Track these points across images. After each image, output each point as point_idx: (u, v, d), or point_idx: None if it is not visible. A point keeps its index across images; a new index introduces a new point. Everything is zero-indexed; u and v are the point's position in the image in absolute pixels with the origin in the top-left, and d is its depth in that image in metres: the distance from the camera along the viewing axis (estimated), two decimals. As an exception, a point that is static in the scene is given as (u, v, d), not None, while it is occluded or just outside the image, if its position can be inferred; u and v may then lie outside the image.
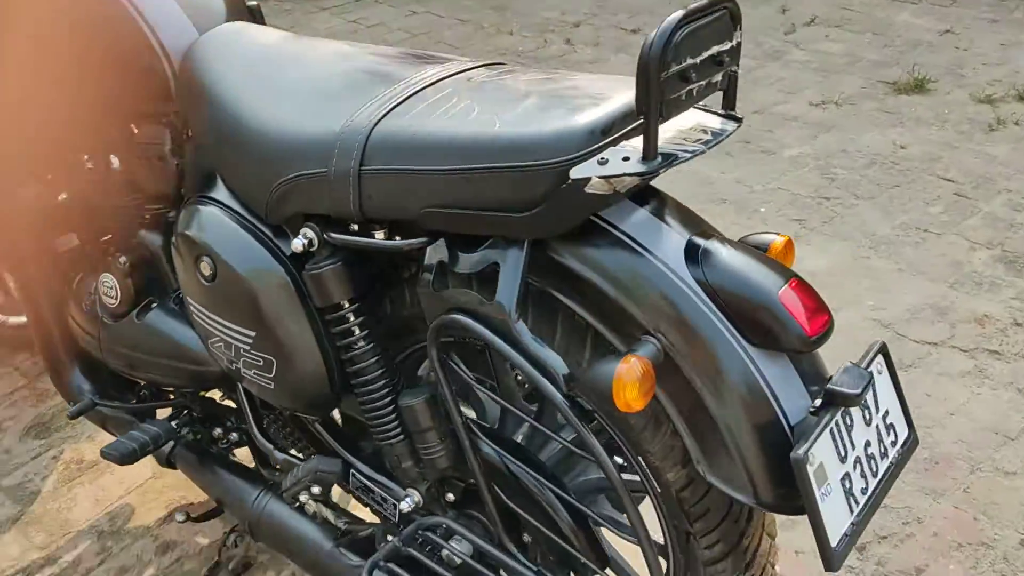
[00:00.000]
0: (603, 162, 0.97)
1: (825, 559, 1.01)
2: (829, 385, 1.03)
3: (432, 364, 1.16)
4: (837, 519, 1.02)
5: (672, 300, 1.03)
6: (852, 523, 1.04)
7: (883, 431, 1.11)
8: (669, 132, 1.02)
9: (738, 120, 1.07)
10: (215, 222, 1.28)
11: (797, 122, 3.45)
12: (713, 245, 1.06)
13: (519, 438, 1.35)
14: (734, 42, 1.02)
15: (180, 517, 1.62)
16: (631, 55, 4.13)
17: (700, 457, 1.06)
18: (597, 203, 1.02)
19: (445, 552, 1.28)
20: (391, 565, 1.23)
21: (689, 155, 0.98)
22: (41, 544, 1.88)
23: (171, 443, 1.62)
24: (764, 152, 3.26)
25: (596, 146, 0.99)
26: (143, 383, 1.69)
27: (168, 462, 1.64)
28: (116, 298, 1.57)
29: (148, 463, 1.81)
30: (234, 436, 1.63)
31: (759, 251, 1.09)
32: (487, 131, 1.05)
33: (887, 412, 1.12)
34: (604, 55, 4.14)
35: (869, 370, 1.07)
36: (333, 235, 1.17)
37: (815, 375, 1.06)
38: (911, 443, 1.15)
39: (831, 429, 1.02)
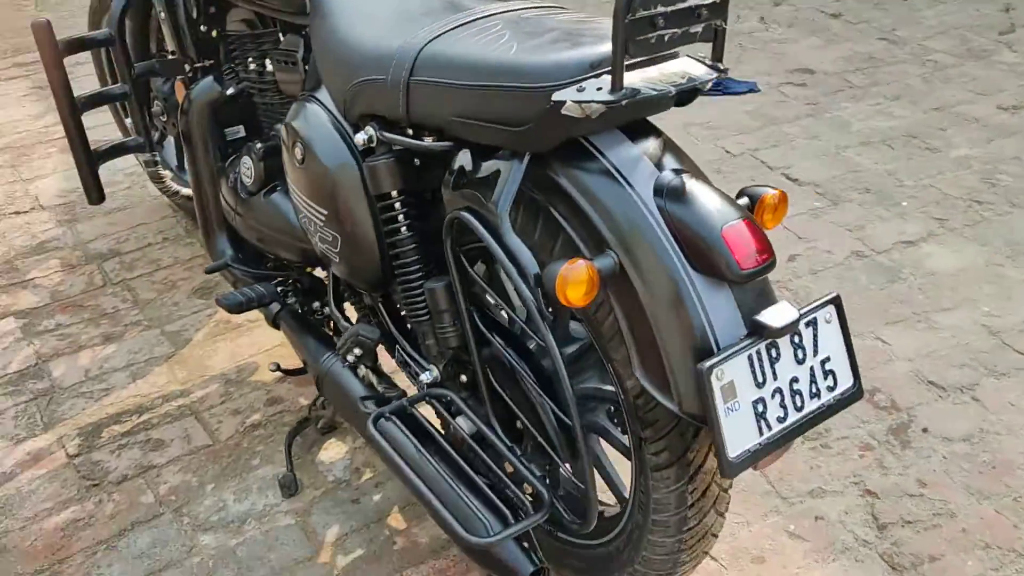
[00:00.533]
0: (580, 90, 1.14)
1: (720, 466, 1.14)
2: (755, 316, 1.14)
3: (446, 254, 1.37)
4: (741, 435, 1.14)
5: (633, 223, 1.18)
6: (759, 443, 1.16)
7: (819, 374, 1.21)
8: (651, 72, 1.17)
9: (721, 71, 1.19)
10: (310, 115, 1.55)
11: (976, 124, 3.32)
12: (682, 181, 1.20)
13: (531, 342, 1.53)
14: None
15: (272, 367, 1.93)
16: (824, 39, 4.08)
17: (638, 364, 1.21)
18: (573, 126, 1.19)
19: (443, 421, 1.50)
20: (394, 418, 1.47)
21: (655, 93, 1.13)
22: (181, 380, 2.27)
23: (278, 307, 1.93)
24: (928, 149, 3.18)
25: (581, 77, 1.16)
26: (269, 254, 2.01)
27: (274, 323, 1.96)
28: (251, 178, 1.89)
29: (280, 336, 2.13)
30: (327, 309, 1.92)
31: (723, 193, 1.21)
32: (504, 56, 1.23)
33: (828, 358, 1.22)
34: (794, 36, 4.11)
35: (804, 312, 1.17)
36: (386, 134, 1.40)
37: (758, 309, 1.18)
38: (852, 394, 1.24)
39: (749, 355, 1.14)
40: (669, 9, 1.11)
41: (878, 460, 1.97)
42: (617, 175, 1.20)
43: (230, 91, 2.00)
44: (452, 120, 1.30)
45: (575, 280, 1.13)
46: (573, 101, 1.13)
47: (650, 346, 1.18)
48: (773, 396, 1.17)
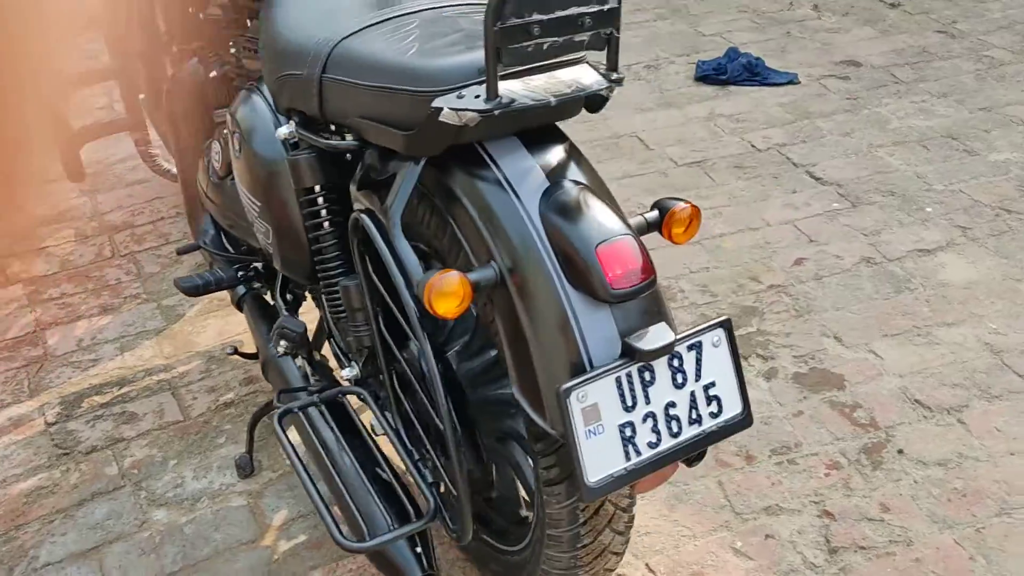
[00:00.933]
0: (460, 96, 1.11)
1: (577, 487, 1.10)
2: (626, 338, 1.10)
3: (352, 253, 1.36)
4: (604, 459, 1.11)
5: (516, 234, 1.15)
6: (625, 468, 1.12)
7: (700, 399, 1.16)
8: (537, 80, 1.13)
9: (614, 80, 1.14)
10: (250, 106, 1.55)
11: (1024, 126, 3.14)
12: (571, 194, 1.16)
13: (455, 345, 1.51)
14: (605, 6, 1.10)
15: (228, 350, 1.96)
16: (878, 30, 3.90)
17: (515, 379, 1.18)
18: (460, 132, 1.16)
19: (353, 420, 1.50)
20: (301, 414, 1.47)
21: (532, 103, 1.09)
22: (167, 355, 2.32)
23: (243, 290, 1.96)
24: (966, 151, 3.02)
25: (463, 84, 1.13)
26: (239, 239, 2.04)
27: (238, 306, 1.98)
28: (219, 163, 1.91)
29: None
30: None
31: (614, 209, 1.17)
32: (400, 58, 1.21)
33: (713, 383, 1.17)
34: (847, 25, 3.94)
35: (685, 335, 1.12)
36: (302, 130, 1.39)
37: (636, 329, 1.14)
38: (740, 421, 1.18)
39: (617, 377, 1.10)
40: (545, 17, 1.07)
41: (844, 480, 1.90)
42: (506, 184, 1.17)
43: (212, 74, 2.02)
44: (358, 119, 1.29)
45: (443, 291, 1.11)
46: (450, 108, 1.11)
47: (526, 362, 1.16)
48: (644, 420, 1.13)
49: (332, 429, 1.47)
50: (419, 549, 1.39)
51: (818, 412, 2.06)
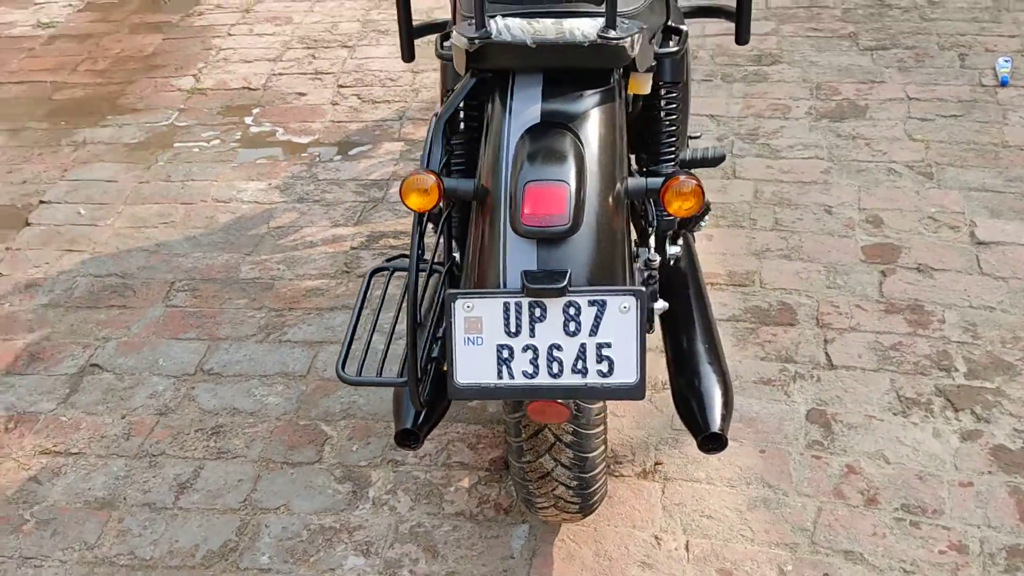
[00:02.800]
0: (469, 26, 1.27)
1: (447, 385, 1.24)
2: (524, 269, 1.20)
3: None
4: (477, 368, 1.23)
5: (492, 158, 1.31)
6: (495, 384, 1.23)
7: (591, 353, 1.21)
8: (540, 24, 1.24)
9: (606, 38, 1.20)
10: None
11: None
12: (547, 134, 1.28)
13: None
14: None
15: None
16: None
17: (462, 279, 1.34)
18: (495, 57, 1.31)
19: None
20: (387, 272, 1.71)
21: (509, 39, 1.21)
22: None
23: None
24: None
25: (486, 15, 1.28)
26: None
27: None
28: None
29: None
30: None
31: (577, 156, 1.24)
32: None
33: (609, 344, 1.20)
34: None
35: (585, 289, 1.18)
36: None
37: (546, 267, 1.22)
38: (630, 389, 1.20)
39: (506, 303, 1.21)
40: None
41: (958, 566, 1.66)
42: (506, 113, 1.31)
43: None
44: None
45: (411, 187, 1.30)
46: (457, 34, 1.27)
47: (470, 267, 1.31)
48: (524, 351, 1.21)
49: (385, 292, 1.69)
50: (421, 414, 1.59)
51: (992, 492, 1.79)
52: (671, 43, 1.56)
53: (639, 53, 1.32)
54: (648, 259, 1.53)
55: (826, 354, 2.12)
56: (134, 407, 2.15)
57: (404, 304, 1.64)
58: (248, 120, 3.30)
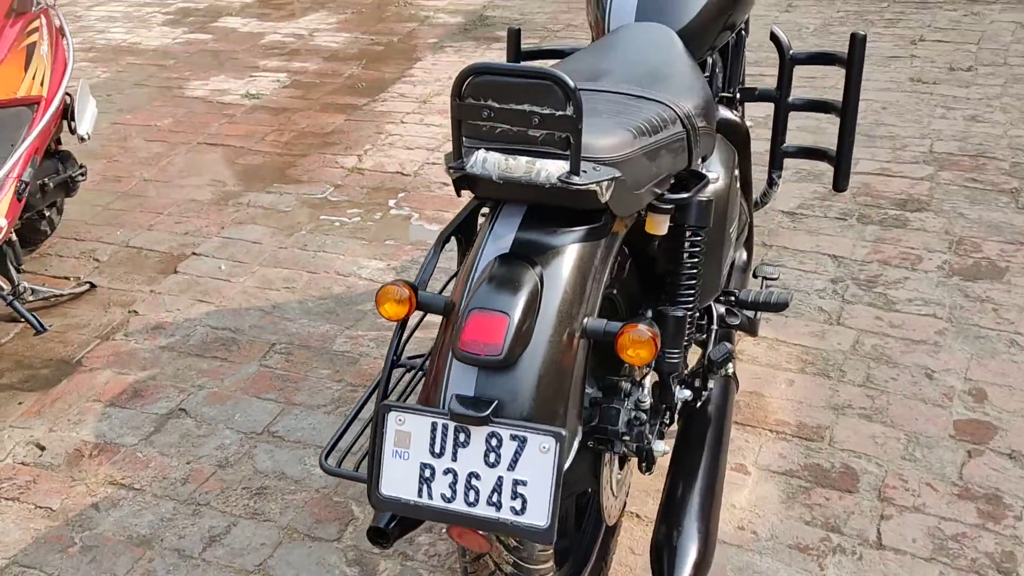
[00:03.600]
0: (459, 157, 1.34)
1: (368, 493, 1.27)
2: (459, 392, 1.22)
3: None
4: (400, 482, 1.26)
5: (462, 280, 1.34)
6: (415, 502, 1.25)
7: (507, 488, 1.21)
8: (515, 160, 1.28)
9: (565, 183, 1.23)
10: None
11: None
12: (509, 265, 1.31)
13: None
14: (558, 112, 1.20)
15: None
16: None
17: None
18: (483, 189, 1.37)
19: None
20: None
21: (478, 172, 1.27)
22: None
23: None
24: None
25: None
26: None
27: None
28: None
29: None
30: None
31: (530, 290, 1.26)
32: None
33: (525, 482, 1.19)
34: None
35: (505, 422, 1.19)
36: None
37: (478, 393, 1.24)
38: (539, 532, 1.19)
39: (433, 422, 1.23)
40: (498, 105, 1.22)
41: None
42: (484, 239, 1.35)
43: None
44: None
45: (386, 297, 1.37)
46: (445, 162, 1.34)
47: (424, 381, 1.35)
48: (445, 473, 1.22)
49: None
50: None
51: None
52: (690, 189, 1.55)
53: (613, 199, 1.33)
54: (638, 399, 1.51)
55: (878, 531, 1.96)
56: (200, 455, 2.32)
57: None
58: (391, 202, 3.52)
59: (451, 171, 1.33)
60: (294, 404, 2.48)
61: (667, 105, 1.52)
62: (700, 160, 1.64)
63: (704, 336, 1.91)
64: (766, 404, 2.32)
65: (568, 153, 1.27)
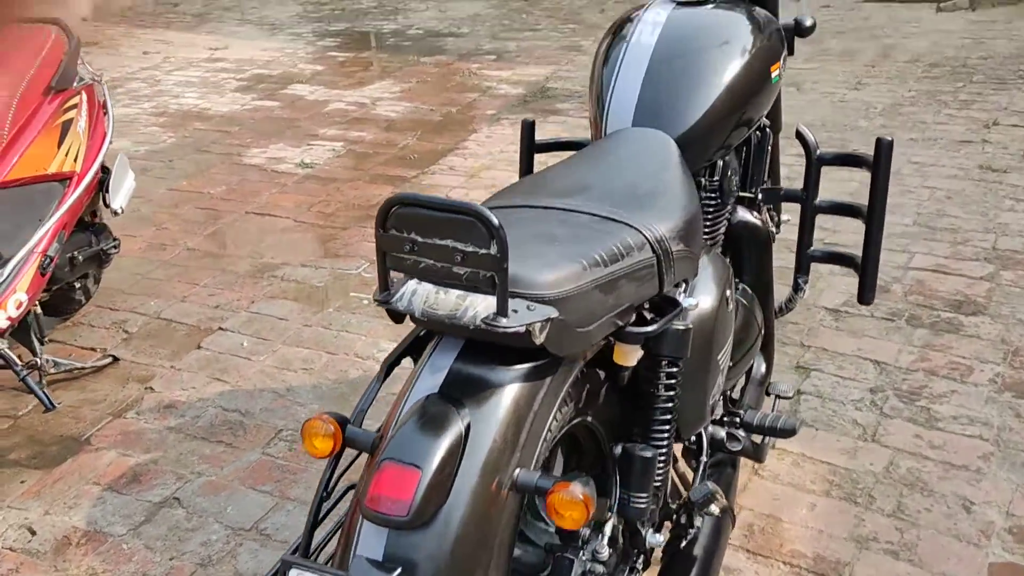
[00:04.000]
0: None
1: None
2: (368, 555, 1.12)
3: None
4: None
5: (390, 420, 1.24)
6: None
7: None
8: (445, 295, 1.19)
9: (491, 325, 1.13)
10: None
11: None
12: (433, 407, 1.21)
13: None
14: (481, 250, 1.10)
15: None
16: None
17: None
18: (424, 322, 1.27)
19: None
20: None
21: (401, 308, 1.17)
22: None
23: None
24: None
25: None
26: None
27: None
28: None
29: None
30: None
31: (447, 441, 1.15)
32: None
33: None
34: None
35: None
36: None
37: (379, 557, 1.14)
38: None
39: None
40: (420, 239, 1.13)
41: None
42: (417, 374, 1.25)
43: None
44: None
45: (310, 432, 1.27)
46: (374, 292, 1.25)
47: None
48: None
49: None
50: None
51: None
52: (661, 318, 1.42)
53: (550, 340, 1.21)
54: (595, 550, 1.37)
55: None
56: (184, 551, 2.25)
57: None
58: (423, 282, 3.46)
59: (377, 303, 1.24)
60: (288, 499, 2.40)
61: (636, 229, 1.40)
62: (679, 285, 1.51)
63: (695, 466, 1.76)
64: (782, 531, 2.13)
65: (517, 289, 1.18)
